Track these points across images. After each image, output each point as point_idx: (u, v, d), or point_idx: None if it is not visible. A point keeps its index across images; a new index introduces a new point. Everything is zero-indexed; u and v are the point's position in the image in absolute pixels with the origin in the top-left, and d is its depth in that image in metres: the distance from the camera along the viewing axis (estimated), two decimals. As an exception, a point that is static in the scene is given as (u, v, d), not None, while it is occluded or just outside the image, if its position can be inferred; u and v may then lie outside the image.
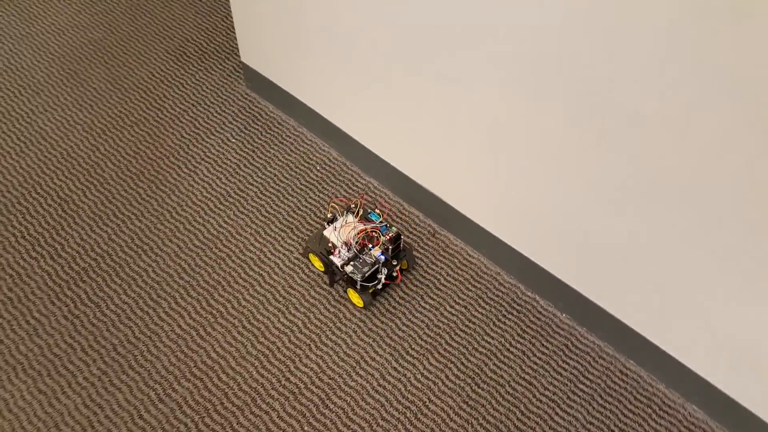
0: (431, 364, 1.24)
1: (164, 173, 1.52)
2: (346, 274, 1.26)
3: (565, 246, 1.21)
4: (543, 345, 1.28)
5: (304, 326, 1.29)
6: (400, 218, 1.45)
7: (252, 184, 1.50)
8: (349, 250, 1.28)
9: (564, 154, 1.09)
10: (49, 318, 1.27)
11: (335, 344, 1.27)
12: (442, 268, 1.37)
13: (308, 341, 1.27)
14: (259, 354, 1.25)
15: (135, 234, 1.41)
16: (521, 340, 1.28)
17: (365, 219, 1.34)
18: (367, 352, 1.26)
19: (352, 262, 1.27)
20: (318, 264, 1.35)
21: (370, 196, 1.49)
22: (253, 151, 1.56)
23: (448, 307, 1.32)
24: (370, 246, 1.29)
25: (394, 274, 1.31)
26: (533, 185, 1.18)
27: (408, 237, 1.42)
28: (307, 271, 1.36)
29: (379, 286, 1.29)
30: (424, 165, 1.38)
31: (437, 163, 1.34)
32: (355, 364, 1.24)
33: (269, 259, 1.38)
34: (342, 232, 1.31)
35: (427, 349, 1.26)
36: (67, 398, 1.18)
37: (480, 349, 1.27)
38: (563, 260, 1.25)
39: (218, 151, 1.57)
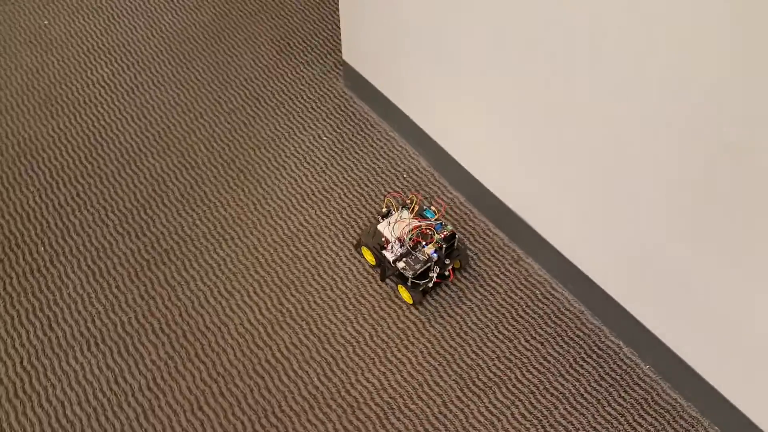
0: (497, 399, 1.17)
1: (254, 164, 1.51)
2: (398, 270, 1.24)
3: (662, 298, 1.11)
4: (621, 395, 1.18)
5: (371, 338, 1.24)
6: (482, 238, 1.38)
7: (337, 185, 1.47)
8: (402, 246, 1.26)
9: (676, 202, 0.99)
10: (126, 295, 1.29)
11: (400, 362, 1.22)
12: (521, 298, 1.29)
13: (373, 355, 1.22)
14: (323, 360, 1.22)
15: (218, 222, 1.41)
16: (597, 387, 1.19)
17: (420, 216, 1.31)
18: (431, 375, 1.20)
19: (404, 259, 1.25)
20: (370, 258, 1.33)
21: (445, 204, 1.43)
22: (343, 152, 1.53)
23: (523, 341, 1.24)
24: (424, 243, 1.26)
25: (446, 273, 1.27)
26: (637, 228, 1.08)
27: (490, 261, 1.35)
28: (379, 282, 1.31)
29: (430, 285, 1.26)
30: (515, 188, 1.31)
31: (531, 189, 1.26)
32: (417, 386, 1.19)
33: (344, 264, 1.34)
34: (396, 227, 1.28)
35: (495, 381, 1.19)
36: (132, 378, 1.19)
37: (552, 390, 1.18)
38: (657, 311, 1.15)
39: (309, 147, 1.54)
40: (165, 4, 1.87)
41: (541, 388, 1.19)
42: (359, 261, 1.34)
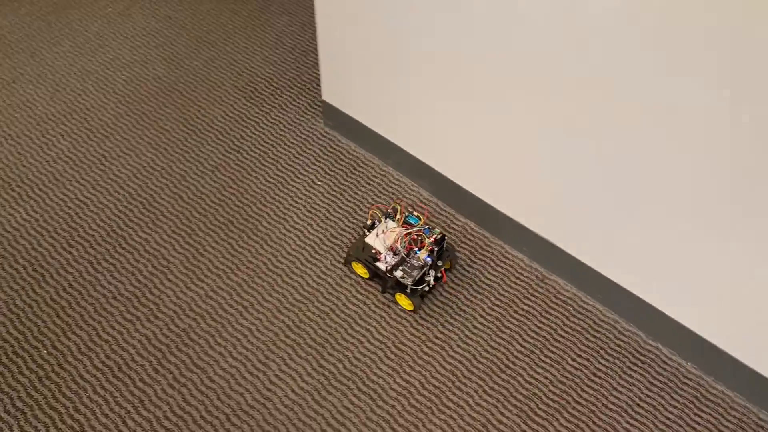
0: (562, 425, 1.17)
1: (253, 221, 1.43)
2: (396, 279, 1.25)
3: (701, 298, 1.14)
4: (673, 398, 1.20)
5: (422, 386, 1.20)
6: (503, 261, 1.37)
7: (344, 230, 1.42)
8: (395, 255, 1.27)
9: (704, 202, 1.01)
10: (153, 387, 1.19)
11: (458, 405, 1.18)
12: (557, 317, 1.29)
13: (429, 404, 1.18)
14: (380, 419, 1.16)
15: (233, 290, 1.32)
16: (650, 394, 1.20)
17: (406, 223, 1.32)
18: (493, 414, 1.18)
19: (400, 267, 1.26)
20: (361, 271, 1.33)
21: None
22: (341, 194, 1.48)
23: (570, 360, 1.24)
24: (416, 249, 1.28)
25: (439, 275, 1.29)
26: (673, 234, 1.10)
27: (515, 283, 1.34)
28: (417, 323, 1.27)
29: (427, 288, 1.27)
30: (529, 205, 1.30)
31: (546, 204, 1.26)
32: (482, 428, 1.16)
33: (374, 312, 1.29)
34: (385, 237, 1.29)
35: (555, 408, 1.19)
36: (188, 479, 1.09)
37: (610, 405, 1.19)
38: (696, 311, 1.18)
39: (305, 195, 1.48)
40: (112, 63, 1.73)
41: (600, 405, 1.19)
42: (388, 305, 1.30)
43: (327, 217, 1.44)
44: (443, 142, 1.37)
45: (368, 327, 1.27)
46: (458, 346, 1.25)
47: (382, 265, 1.27)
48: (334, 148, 1.57)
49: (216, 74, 1.73)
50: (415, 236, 1.29)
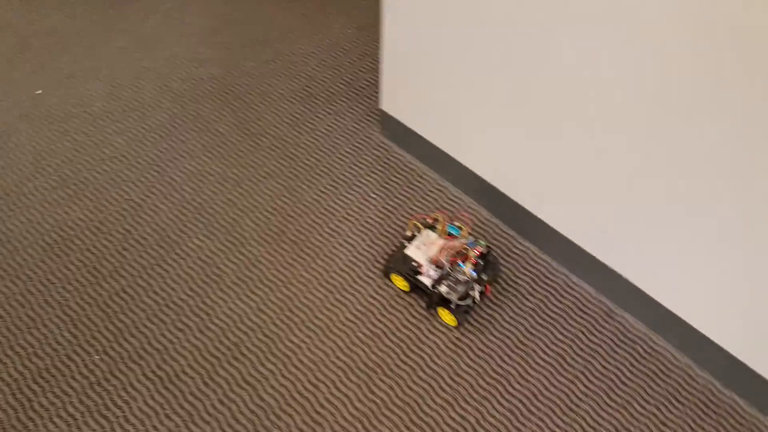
0: (620, 469, 1.12)
1: (306, 233, 1.40)
2: (441, 294, 1.20)
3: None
4: (741, 451, 1.15)
5: (478, 423, 1.17)
6: (567, 293, 1.32)
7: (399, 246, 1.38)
8: (437, 269, 1.22)
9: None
10: (203, 402, 1.17)
11: (512, 441, 1.15)
12: (625, 358, 1.24)
13: (483, 437, 1.15)
14: (432, 451, 1.14)
15: (284, 304, 1.29)
16: (716, 444, 1.15)
17: (447, 234, 1.28)
18: (547, 452, 1.14)
19: (444, 282, 1.21)
20: (401, 284, 1.29)
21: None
22: (396, 209, 1.44)
23: (637, 406, 1.18)
24: (460, 262, 1.22)
25: (483, 288, 1.24)
26: (759, 280, 1.04)
27: (580, 317, 1.29)
28: (473, 353, 1.23)
29: (472, 304, 1.23)
30: (602, 235, 1.25)
31: (622, 236, 1.21)
32: (536, 466, 1.13)
33: (428, 338, 1.26)
34: (427, 249, 1.25)
35: (614, 451, 1.14)
36: (236, 501, 1.08)
37: (671, 452, 1.14)
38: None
39: (359, 207, 1.44)
40: (168, 60, 1.71)
41: (663, 452, 1.14)
42: (444, 330, 1.26)
43: (381, 232, 1.40)
44: (510, 162, 1.32)
45: (422, 354, 1.24)
46: (517, 382, 1.21)
47: (425, 280, 1.23)
48: (390, 159, 1.53)
49: (272, 76, 1.70)
50: (459, 249, 1.24)
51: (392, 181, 1.49)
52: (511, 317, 1.29)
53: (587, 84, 1.06)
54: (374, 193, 1.47)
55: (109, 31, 1.78)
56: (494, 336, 1.26)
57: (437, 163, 1.49)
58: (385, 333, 1.26)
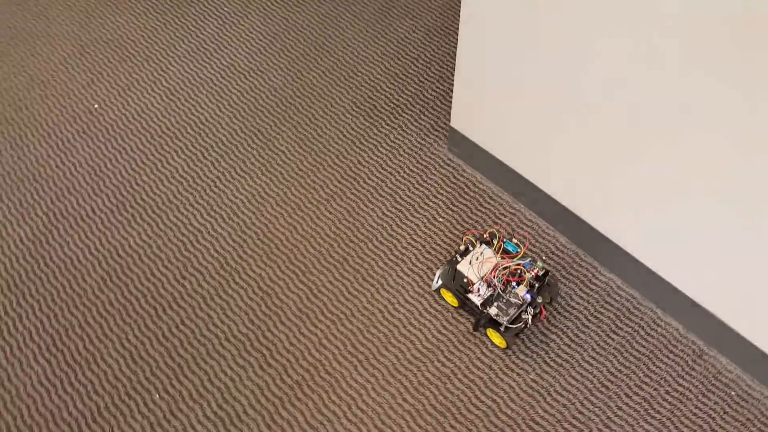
0: None
1: (369, 261, 1.32)
2: (490, 316, 1.14)
3: None
4: None
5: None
6: (654, 330, 1.20)
7: (469, 278, 1.29)
8: (489, 287, 1.15)
9: None
10: (265, 446, 1.12)
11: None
12: (716, 402, 1.12)
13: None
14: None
15: (347, 339, 1.22)
16: None
17: (504, 252, 1.21)
18: None
19: (495, 303, 1.14)
20: (452, 300, 1.23)
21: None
22: (464, 233, 1.34)
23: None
24: (514, 283, 1.16)
25: (538, 310, 1.17)
26: None
27: (668, 357, 1.17)
28: (551, 397, 1.13)
29: (523, 327, 1.15)
30: (694, 271, 1.13)
31: (713, 273, 1.08)
32: None
33: (502, 379, 1.17)
34: (479, 266, 1.17)
35: None
36: None
37: None
38: None
39: (425, 233, 1.35)
40: (227, 70, 1.65)
41: None
42: (518, 373, 1.16)
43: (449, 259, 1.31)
44: (592, 188, 1.20)
45: (495, 397, 1.15)
46: (599, 429, 1.11)
47: (474, 298, 1.16)
48: (458, 179, 1.43)
49: (334, 87, 1.61)
50: (515, 269, 1.16)
51: (461, 202, 1.39)
52: (591, 356, 1.18)
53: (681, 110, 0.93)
54: (441, 217, 1.37)
55: (168, 37, 1.72)
56: (574, 378, 1.16)
57: (511, 185, 1.38)
58: (455, 373, 1.17)
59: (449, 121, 1.52)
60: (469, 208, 1.38)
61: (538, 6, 1.05)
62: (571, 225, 1.29)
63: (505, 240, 1.22)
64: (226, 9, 1.79)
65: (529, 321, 1.14)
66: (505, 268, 1.16)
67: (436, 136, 1.51)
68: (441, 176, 1.44)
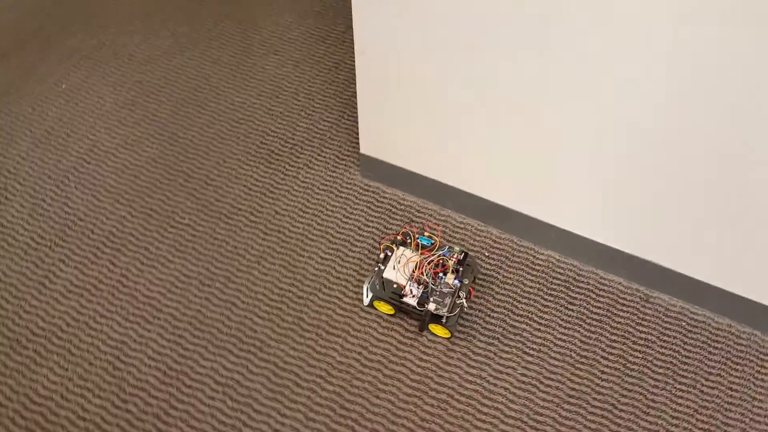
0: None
1: (326, 310, 1.18)
2: (431, 312, 1.11)
3: None
4: None
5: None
6: (600, 290, 1.19)
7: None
8: (419, 285, 1.13)
9: None
10: None
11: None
12: (675, 337, 1.13)
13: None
14: None
15: (334, 402, 1.08)
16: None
17: (422, 248, 1.19)
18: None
19: (431, 298, 1.12)
20: (385, 309, 1.18)
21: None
22: (379, 242, 1.25)
23: (705, 381, 1.08)
24: (441, 274, 1.14)
25: (467, 291, 1.16)
26: None
27: (622, 311, 1.17)
28: (540, 398, 1.08)
29: (462, 311, 1.17)
30: (607, 225, 1.14)
31: (625, 220, 1.10)
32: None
33: (493, 393, 1.09)
34: (404, 268, 1.15)
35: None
36: None
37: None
38: None
39: (371, 262, 1.24)
40: (90, 153, 1.41)
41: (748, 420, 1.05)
42: (507, 373, 1.09)
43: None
44: (505, 175, 1.18)
45: (495, 404, 1.07)
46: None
47: (410, 300, 1.13)
48: (382, 201, 1.34)
49: (219, 142, 1.44)
50: (437, 260, 1.15)
51: (392, 223, 1.30)
52: (562, 333, 1.14)
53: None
54: (379, 241, 1.28)
55: (7, 130, 1.45)
56: (555, 359, 1.11)
57: (433, 194, 1.31)
58: (451, 396, 1.08)
59: (354, 146, 1.43)
60: (400, 225, 1.30)
61: (428, 27, 1.00)
62: (499, 216, 1.26)
63: (418, 236, 1.19)
64: (65, 85, 1.55)
65: (465, 304, 1.13)
66: (429, 263, 1.15)
67: (345, 164, 1.41)
68: (365, 203, 1.34)
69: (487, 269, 1.23)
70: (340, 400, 1.08)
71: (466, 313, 1.17)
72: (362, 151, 1.32)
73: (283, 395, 1.09)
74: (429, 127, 1.19)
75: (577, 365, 1.11)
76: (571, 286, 1.21)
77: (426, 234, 1.21)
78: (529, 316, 1.17)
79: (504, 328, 1.15)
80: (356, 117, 1.49)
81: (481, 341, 1.14)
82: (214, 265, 1.25)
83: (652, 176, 1.03)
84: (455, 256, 1.16)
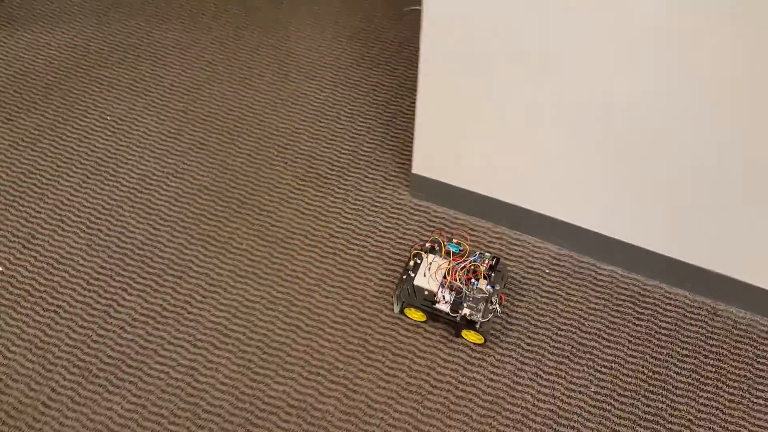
0: None
1: (389, 334, 1.19)
2: (466, 317, 1.12)
3: None
4: None
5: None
6: (667, 305, 1.21)
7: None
8: (451, 291, 1.15)
9: None
10: None
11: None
12: (748, 350, 1.15)
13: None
14: None
15: (407, 427, 1.08)
16: None
17: (449, 254, 1.20)
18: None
19: (465, 304, 1.13)
20: (417, 316, 1.19)
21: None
22: (409, 250, 1.26)
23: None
24: (473, 280, 1.16)
25: (500, 299, 1.17)
26: None
27: (690, 324, 1.18)
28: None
29: (496, 316, 1.17)
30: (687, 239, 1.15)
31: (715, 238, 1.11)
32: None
33: (567, 409, 1.10)
34: (435, 275, 1.16)
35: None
36: None
37: None
38: None
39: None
40: (141, 183, 1.42)
41: None
42: (581, 392, 1.10)
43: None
44: (572, 192, 1.19)
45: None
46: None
47: (443, 307, 1.14)
48: (434, 221, 1.35)
49: (268, 168, 1.45)
50: (470, 266, 1.17)
51: (472, 247, 1.31)
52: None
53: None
54: (408, 250, 1.28)
55: (54, 167, 1.45)
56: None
57: (486, 212, 1.33)
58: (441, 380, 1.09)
59: (400, 167, 1.45)
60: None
61: (494, 48, 1.02)
62: (557, 231, 1.27)
63: (447, 243, 1.21)
64: (110, 117, 1.56)
65: (498, 310, 1.14)
66: (462, 268, 1.16)
67: (393, 185, 1.42)
68: (416, 223, 1.35)
69: (549, 287, 1.24)
70: (413, 422, 1.08)
71: (511, 324, 1.18)
72: (414, 171, 1.34)
73: (356, 416, 1.09)
74: (487, 144, 1.20)
75: (650, 381, 1.12)
76: (637, 302, 1.22)
77: (454, 241, 1.22)
78: (598, 332, 1.18)
79: (573, 347, 1.16)
80: (399, 137, 1.51)
81: (551, 360, 1.14)
82: (275, 288, 1.25)
83: (718, 188, 1.05)
84: (487, 261, 1.17)
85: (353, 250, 1.31)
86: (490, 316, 1.13)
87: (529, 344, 1.17)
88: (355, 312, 1.22)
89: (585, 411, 1.09)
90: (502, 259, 1.22)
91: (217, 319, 1.21)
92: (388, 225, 1.35)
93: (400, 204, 1.39)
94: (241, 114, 1.57)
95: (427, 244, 1.21)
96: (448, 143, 1.25)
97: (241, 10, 1.86)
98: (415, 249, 1.21)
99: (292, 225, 1.35)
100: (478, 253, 1.19)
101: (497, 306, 1.14)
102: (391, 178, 1.43)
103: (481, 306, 1.13)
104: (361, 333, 1.19)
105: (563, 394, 1.11)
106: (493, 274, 1.17)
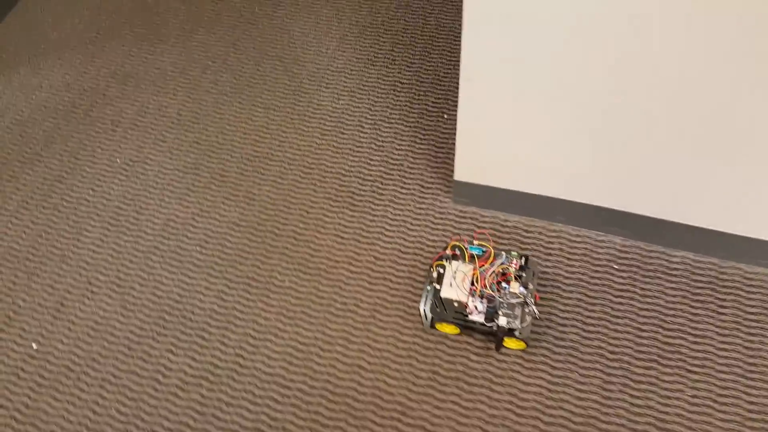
0: None
1: (462, 354, 1.09)
2: (505, 328, 1.02)
3: None
4: None
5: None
6: (746, 291, 1.10)
7: (563, 322, 1.11)
8: (482, 299, 1.04)
9: None
10: None
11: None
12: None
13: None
14: None
15: (497, 459, 0.99)
16: None
17: (473, 258, 1.08)
18: None
19: (501, 312, 1.02)
20: (449, 330, 1.10)
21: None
22: (431, 261, 1.16)
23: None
24: (504, 284, 1.05)
25: (534, 300, 1.06)
26: None
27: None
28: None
29: (534, 319, 1.09)
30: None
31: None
32: None
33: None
34: (462, 284, 1.05)
35: None
36: None
37: None
38: None
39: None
40: (165, 229, 1.31)
41: None
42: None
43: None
44: (631, 180, 1.08)
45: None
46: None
47: (477, 317, 1.04)
48: (484, 225, 1.24)
49: (297, 191, 1.34)
50: (498, 270, 1.06)
51: (501, 245, 1.21)
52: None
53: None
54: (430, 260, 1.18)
55: (73, 218, 1.35)
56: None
57: (539, 210, 1.22)
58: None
59: (436, 172, 1.34)
60: (513, 247, 1.20)
61: (539, 44, 0.89)
62: (619, 222, 1.16)
63: (469, 247, 1.09)
64: (120, 160, 1.45)
65: (536, 312, 1.04)
66: (492, 273, 1.05)
67: (432, 192, 1.31)
68: (466, 231, 1.24)
69: (621, 284, 1.14)
70: (504, 454, 0.99)
71: (589, 332, 1.08)
72: (456, 177, 1.22)
73: (441, 458, 1.00)
74: (535, 142, 1.09)
75: (748, 375, 1.02)
76: (716, 288, 1.11)
77: (476, 243, 1.11)
78: (682, 329, 1.08)
79: (659, 347, 1.06)
80: (429, 139, 1.39)
81: (638, 366, 1.04)
82: (328, 327, 1.15)
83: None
84: (515, 261, 1.06)
85: (403, 271, 1.21)
86: (529, 319, 1.03)
87: (612, 352, 1.07)
88: (418, 342, 1.12)
89: (685, 419, 0.99)
90: (529, 257, 1.11)
91: (273, 369, 1.11)
92: (435, 237, 1.24)
93: (443, 212, 1.27)
94: (258, 137, 1.45)
95: (448, 251, 1.10)
96: (493, 147, 1.13)
97: (235, 19, 1.72)
98: (435, 260, 1.09)
99: (334, 252, 1.25)
100: (504, 254, 1.08)
101: (534, 308, 1.04)
102: (429, 185, 1.32)
103: (518, 311, 1.03)
104: (429, 364, 1.09)
105: (658, 403, 1.01)
106: (523, 275, 1.06)
